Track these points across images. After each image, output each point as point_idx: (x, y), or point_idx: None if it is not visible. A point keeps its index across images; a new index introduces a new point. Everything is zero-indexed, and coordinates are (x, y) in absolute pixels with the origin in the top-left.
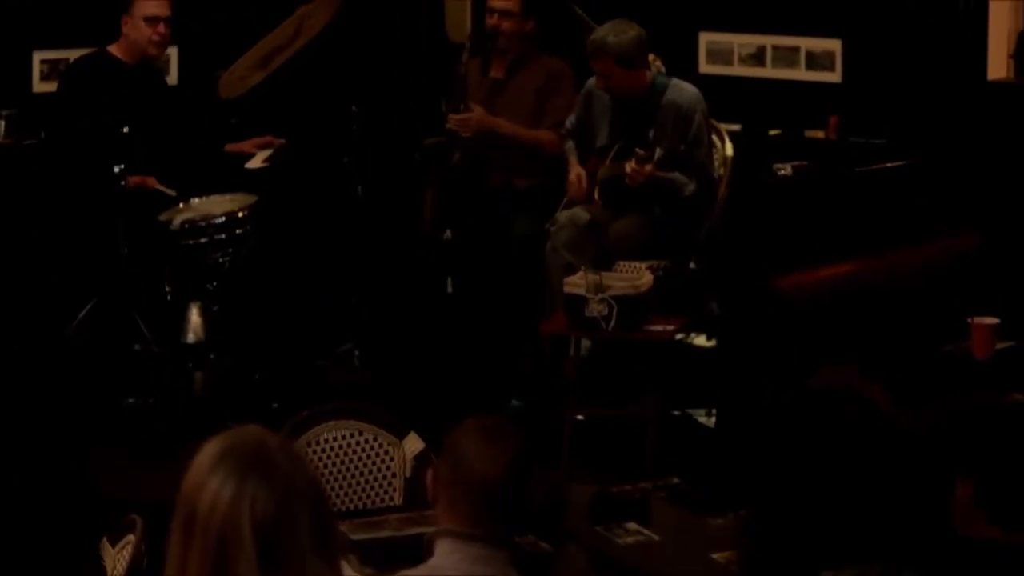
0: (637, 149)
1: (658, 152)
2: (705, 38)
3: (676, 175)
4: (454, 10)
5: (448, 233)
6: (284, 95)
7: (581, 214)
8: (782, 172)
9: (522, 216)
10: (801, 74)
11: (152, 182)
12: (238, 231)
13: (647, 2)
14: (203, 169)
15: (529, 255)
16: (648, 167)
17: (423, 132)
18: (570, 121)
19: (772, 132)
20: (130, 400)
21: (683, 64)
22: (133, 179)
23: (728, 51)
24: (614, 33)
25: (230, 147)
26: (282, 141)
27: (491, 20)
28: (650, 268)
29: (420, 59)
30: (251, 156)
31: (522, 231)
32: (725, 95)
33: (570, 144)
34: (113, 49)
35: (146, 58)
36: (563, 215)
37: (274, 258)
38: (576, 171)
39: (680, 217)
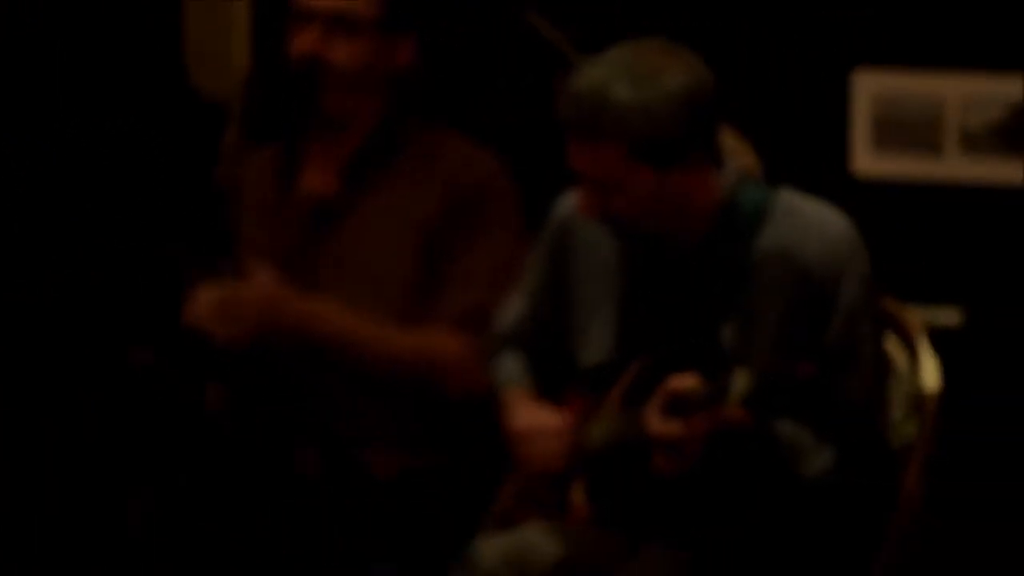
0: (679, 382)
1: (740, 380)
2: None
3: (787, 431)
4: (207, 23)
5: None
6: None
7: (536, 543)
8: None
9: (382, 552)
10: None
11: None
12: None
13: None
14: None
15: None
16: (723, 412)
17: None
18: (512, 308)
19: None
20: None
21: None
22: None
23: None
24: (631, 80)
25: None
26: None
27: (303, 43)
28: None
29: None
30: None
31: None
32: (911, 237)
33: (511, 365)
34: None
35: None
36: (487, 547)
37: None
38: (530, 417)
39: (797, 547)
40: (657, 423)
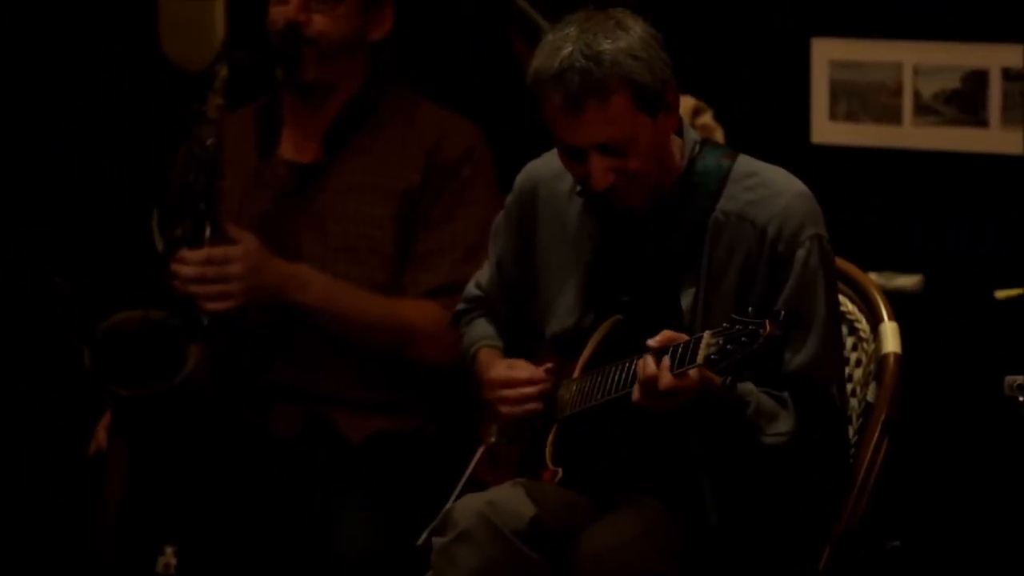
0: (651, 344)
1: (708, 341)
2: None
3: (750, 391)
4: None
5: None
6: None
7: (510, 503)
8: None
9: (356, 513)
10: None
11: None
12: None
13: None
14: None
15: None
16: (688, 376)
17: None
18: (482, 276)
19: (1003, 293)
20: None
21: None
22: None
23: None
24: (600, 35)
25: None
26: None
27: (284, 12)
28: None
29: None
30: None
31: (355, 550)
32: (871, 204)
33: (483, 328)
34: None
35: None
36: (463, 507)
37: None
38: (505, 367)
39: (755, 515)
40: (665, 376)
